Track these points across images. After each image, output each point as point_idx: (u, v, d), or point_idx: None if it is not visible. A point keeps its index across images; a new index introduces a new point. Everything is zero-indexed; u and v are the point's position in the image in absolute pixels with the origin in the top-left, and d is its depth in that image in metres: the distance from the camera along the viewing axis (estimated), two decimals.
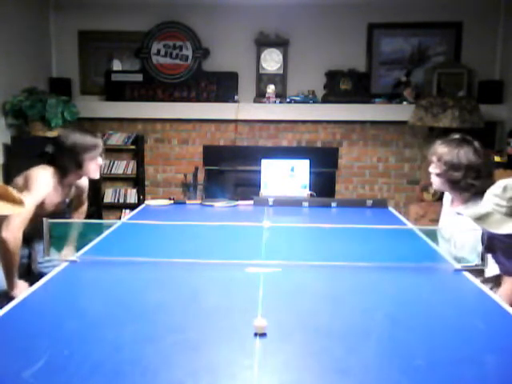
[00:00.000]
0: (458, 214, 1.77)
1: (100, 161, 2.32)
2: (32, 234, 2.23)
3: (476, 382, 1.01)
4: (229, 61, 4.72)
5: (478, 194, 1.98)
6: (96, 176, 2.36)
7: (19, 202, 1.54)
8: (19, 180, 2.21)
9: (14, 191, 1.54)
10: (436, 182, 2.19)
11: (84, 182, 2.52)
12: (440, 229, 2.22)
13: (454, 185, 2.08)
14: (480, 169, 2.04)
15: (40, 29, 4.62)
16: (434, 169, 2.16)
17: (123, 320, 1.29)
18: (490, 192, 1.61)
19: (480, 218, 1.57)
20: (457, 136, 2.15)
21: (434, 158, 2.15)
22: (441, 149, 2.12)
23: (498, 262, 1.73)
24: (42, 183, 2.16)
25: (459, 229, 2.05)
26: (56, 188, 2.26)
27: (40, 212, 2.14)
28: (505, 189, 1.54)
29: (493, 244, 1.66)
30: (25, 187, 2.13)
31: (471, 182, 2.04)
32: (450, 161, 2.06)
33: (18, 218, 2.04)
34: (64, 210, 2.45)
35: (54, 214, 2.31)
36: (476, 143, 2.10)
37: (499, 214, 1.54)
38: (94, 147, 2.28)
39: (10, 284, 2.08)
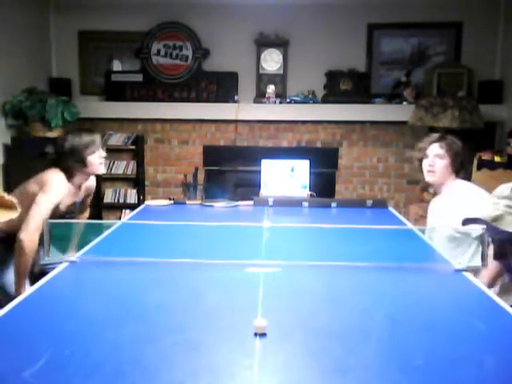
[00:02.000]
0: (466, 221, 1.77)
1: (102, 153, 2.38)
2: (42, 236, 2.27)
3: (475, 382, 1.01)
4: (229, 61, 4.72)
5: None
6: (102, 170, 2.42)
7: (13, 207, 1.53)
8: (32, 186, 2.23)
9: (7, 196, 1.53)
10: (444, 174, 2.36)
11: (92, 182, 2.56)
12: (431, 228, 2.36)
13: (461, 170, 2.40)
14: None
15: (40, 29, 4.62)
16: (445, 162, 2.36)
17: (123, 320, 1.29)
18: (496, 195, 1.59)
19: (494, 221, 1.56)
20: (437, 134, 2.49)
21: (448, 153, 2.37)
22: (454, 144, 2.39)
23: (509, 270, 1.65)
24: (58, 186, 2.22)
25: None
26: (68, 190, 2.30)
27: (53, 214, 2.18)
28: None
29: (505, 249, 1.59)
30: (41, 191, 2.17)
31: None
32: (462, 151, 2.39)
33: (36, 220, 2.08)
34: (73, 210, 2.48)
35: (63, 216, 2.34)
36: None
37: (510, 216, 1.53)
38: (91, 142, 2.33)
39: (20, 285, 2.09)
